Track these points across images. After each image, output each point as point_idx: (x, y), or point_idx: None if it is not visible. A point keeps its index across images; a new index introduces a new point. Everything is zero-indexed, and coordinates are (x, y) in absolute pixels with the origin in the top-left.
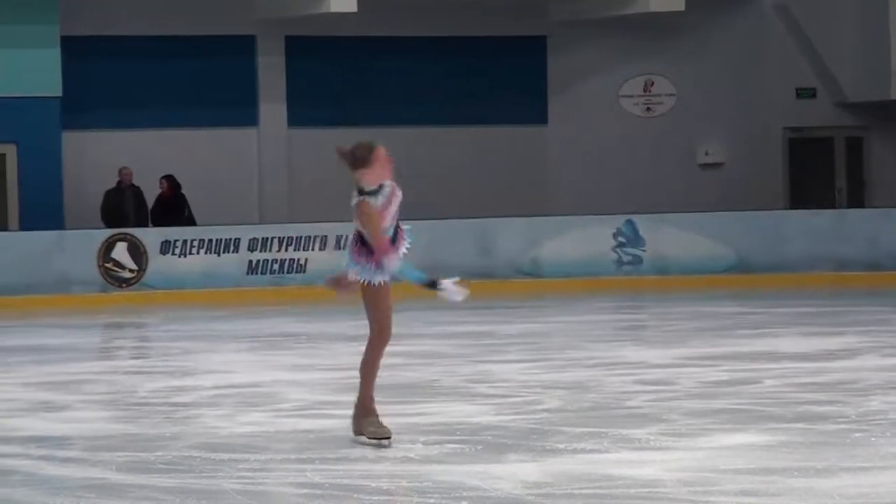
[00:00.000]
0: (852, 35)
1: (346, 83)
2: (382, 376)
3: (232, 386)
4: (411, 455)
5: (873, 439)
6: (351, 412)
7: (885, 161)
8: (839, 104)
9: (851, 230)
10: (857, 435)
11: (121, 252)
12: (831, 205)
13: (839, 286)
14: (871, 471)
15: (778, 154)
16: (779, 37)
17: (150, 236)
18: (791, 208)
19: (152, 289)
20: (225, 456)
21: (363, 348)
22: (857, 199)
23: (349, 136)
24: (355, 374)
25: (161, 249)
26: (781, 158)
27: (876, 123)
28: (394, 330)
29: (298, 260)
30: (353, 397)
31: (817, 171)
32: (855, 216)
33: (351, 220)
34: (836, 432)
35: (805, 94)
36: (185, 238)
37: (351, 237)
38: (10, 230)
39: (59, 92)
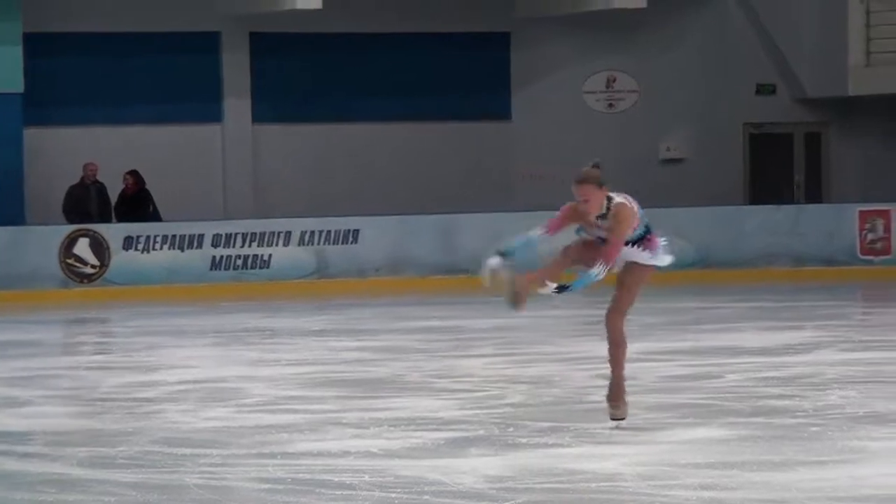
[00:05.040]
0: (811, 31)
1: (310, 79)
2: (347, 371)
3: (195, 381)
4: (373, 450)
5: (830, 433)
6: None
7: (843, 156)
8: (798, 100)
9: (809, 225)
10: (814, 429)
11: (83, 248)
12: (790, 200)
13: (797, 281)
14: (828, 464)
15: (738, 149)
16: (740, 33)
17: (113, 232)
18: (751, 203)
19: (115, 284)
20: (187, 451)
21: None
22: (815, 194)
23: (313, 133)
24: (318, 370)
25: (124, 245)
26: (742, 154)
27: (834, 119)
28: (362, 326)
29: (262, 256)
30: (316, 392)
31: (777, 167)
32: (812, 212)
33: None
34: (794, 426)
35: (765, 89)
36: (148, 234)
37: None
38: None
39: (20, 88)
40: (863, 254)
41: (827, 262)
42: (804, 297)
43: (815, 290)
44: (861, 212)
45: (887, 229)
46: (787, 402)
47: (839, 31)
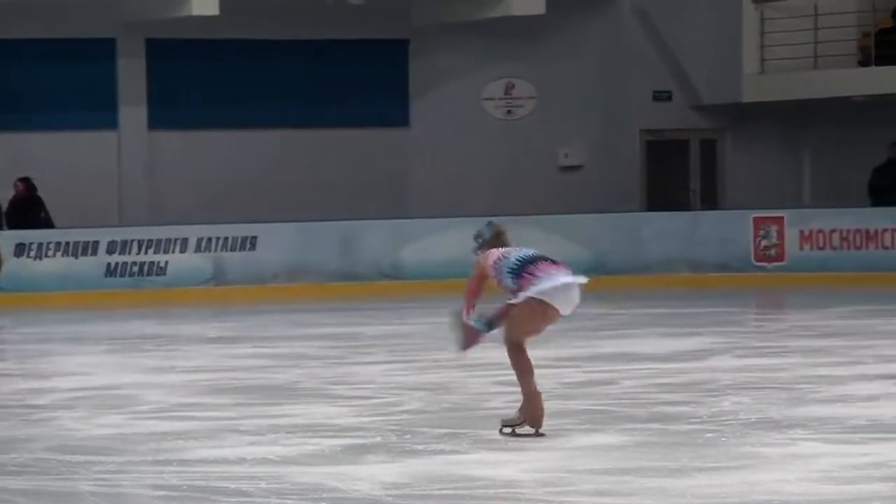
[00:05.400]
0: (706, 38)
1: (207, 86)
2: (244, 378)
3: (90, 388)
4: (270, 456)
5: (724, 439)
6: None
7: (738, 163)
8: (694, 107)
9: (704, 232)
10: (709, 435)
11: None
12: (686, 207)
13: (693, 287)
14: (722, 470)
15: (635, 156)
16: (637, 40)
17: (4, 239)
18: (648, 210)
19: (6, 291)
20: (81, 458)
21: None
22: (710, 200)
23: (210, 139)
24: (215, 377)
25: (15, 252)
26: (639, 160)
27: (729, 126)
28: (260, 332)
29: (158, 262)
30: (213, 399)
31: (673, 173)
32: (708, 218)
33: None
34: (690, 432)
35: (662, 96)
36: (40, 241)
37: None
38: None
39: None
40: (757, 260)
41: (722, 269)
42: (700, 303)
43: (710, 297)
44: (755, 218)
45: (781, 236)
46: (682, 409)
47: (734, 39)
